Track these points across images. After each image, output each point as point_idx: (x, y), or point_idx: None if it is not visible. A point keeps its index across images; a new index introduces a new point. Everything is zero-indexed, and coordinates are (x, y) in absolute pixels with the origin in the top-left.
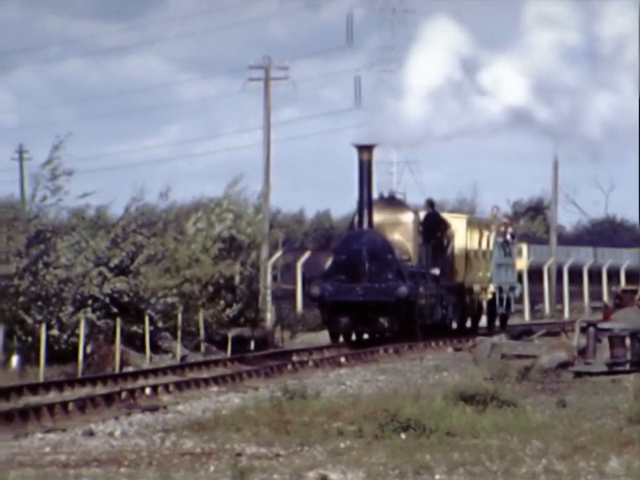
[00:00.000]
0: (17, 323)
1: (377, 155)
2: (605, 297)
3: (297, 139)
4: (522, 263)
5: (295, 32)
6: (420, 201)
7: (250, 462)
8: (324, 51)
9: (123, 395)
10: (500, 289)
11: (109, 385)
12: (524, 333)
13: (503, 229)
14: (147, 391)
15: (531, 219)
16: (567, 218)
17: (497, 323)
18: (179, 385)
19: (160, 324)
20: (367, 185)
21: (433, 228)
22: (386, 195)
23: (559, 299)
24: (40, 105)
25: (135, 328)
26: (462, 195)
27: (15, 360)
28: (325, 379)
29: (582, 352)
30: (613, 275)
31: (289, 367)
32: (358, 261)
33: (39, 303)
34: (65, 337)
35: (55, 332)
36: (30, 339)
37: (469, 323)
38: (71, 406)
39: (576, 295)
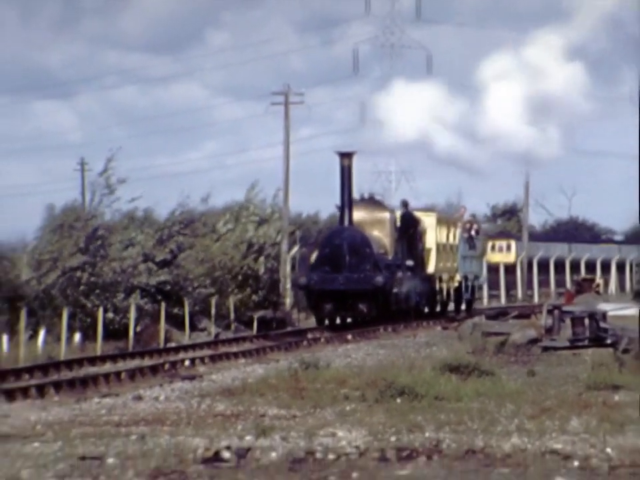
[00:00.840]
0: (78, 307)
1: (378, 165)
2: (568, 285)
3: (312, 152)
4: (511, 257)
5: (311, 63)
6: (415, 204)
7: (271, 422)
8: (335, 79)
9: (166, 366)
10: (465, 278)
11: (155, 358)
12: (500, 314)
13: (468, 225)
14: (186, 362)
15: (507, 219)
16: (536, 219)
17: (463, 307)
18: (212, 358)
19: (197, 307)
20: (347, 187)
21: (407, 225)
22: (366, 196)
23: (530, 286)
24: (99, 125)
25: (176, 310)
26: (450, 199)
27: (77, 337)
28: (334, 352)
29: (548, 330)
30: (574, 266)
31: (304, 342)
32: (340, 254)
33: (97, 291)
34: (118, 318)
35: (109, 314)
36: (89, 320)
37: (438, 308)
38: (123, 375)
39: (544, 283)
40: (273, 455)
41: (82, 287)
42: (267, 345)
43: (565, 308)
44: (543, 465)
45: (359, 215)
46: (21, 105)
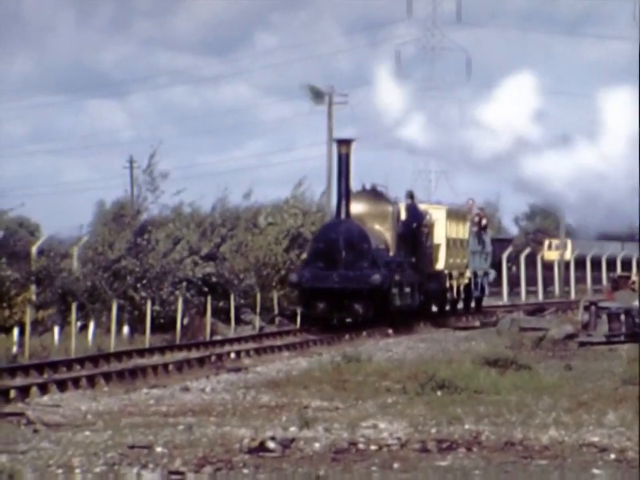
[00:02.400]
0: (126, 300)
1: (418, 164)
2: (604, 282)
3: (353, 152)
4: (567, 254)
5: (355, 65)
6: (455, 202)
7: (314, 413)
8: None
9: (213, 358)
10: (475, 274)
11: (201, 350)
12: (538, 310)
13: (477, 219)
14: (232, 355)
15: (544, 218)
16: (575, 216)
17: (473, 304)
18: (257, 351)
19: (242, 301)
20: (345, 177)
21: (411, 218)
22: (367, 186)
23: (566, 283)
24: (149, 124)
25: (221, 304)
26: (488, 198)
27: (125, 330)
28: (376, 346)
29: (585, 326)
30: (611, 264)
31: (347, 336)
32: (335, 249)
33: (144, 282)
34: (164, 311)
35: (157, 307)
36: (137, 312)
37: (448, 307)
38: (170, 367)
39: (580, 280)
40: (317, 445)
41: (129, 280)
42: (310, 338)
43: (601, 304)
44: (580, 457)
45: (359, 207)
46: (75, 104)
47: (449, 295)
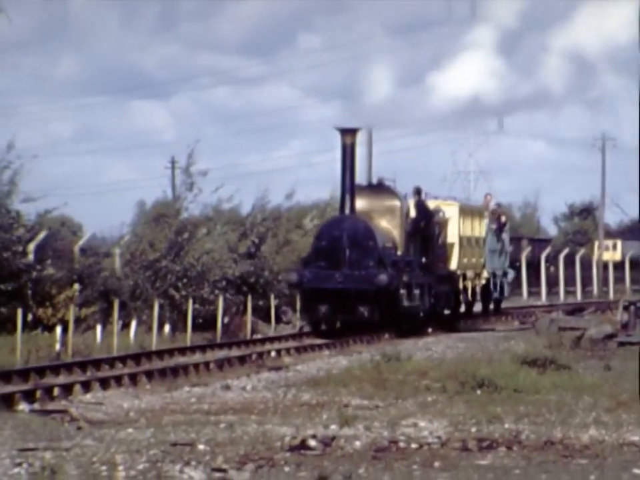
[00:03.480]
0: (167, 299)
1: (458, 165)
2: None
3: (392, 152)
4: (617, 255)
5: (397, 65)
6: (492, 203)
7: (355, 411)
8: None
9: (253, 356)
10: (494, 275)
11: (242, 349)
12: (576, 309)
13: (495, 216)
14: (272, 353)
15: (584, 218)
16: (612, 218)
17: (492, 306)
18: (298, 349)
19: (282, 300)
20: (349, 170)
21: (420, 215)
22: (374, 181)
23: (605, 283)
24: (192, 125)
25: (261, 303)
26: (527, 198)
27: (167, 328)
28: (415, 345)
29: (624, 326)
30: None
31: (386, 335)
32: (338, 247)
33: (184, 281)
34: (205, 309)
35: (197, 306)
36: (177, 311)
37: (462, 309)
38: (211, 365)
39: (619, 280)
40: (357, 443)
41: (170, 279)
42: (350, 337)
43: None
44: (621, 456)
45: (365, 202)
46: (119, 105)
47: (462, 296)
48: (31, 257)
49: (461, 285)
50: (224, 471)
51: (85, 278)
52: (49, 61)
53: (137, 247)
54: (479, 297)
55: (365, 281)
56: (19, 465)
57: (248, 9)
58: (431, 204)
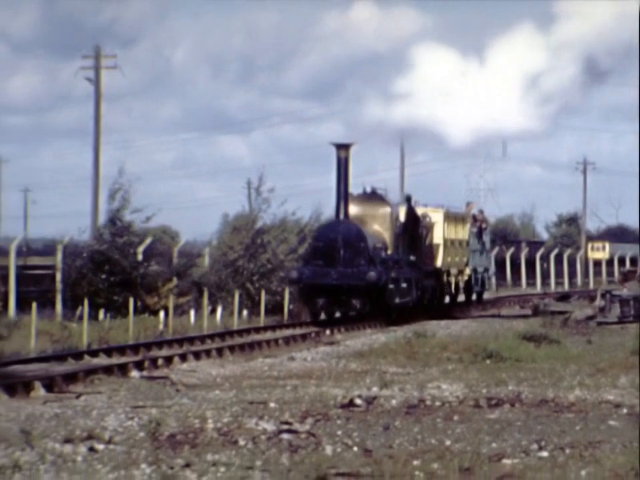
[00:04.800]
0: (244, 290)
1: (470, 184)
2: (616, 275)
3: (423, 174)
4: (606, 254)
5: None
6: (497, 214)
7: (391, 377)
8: None
9: (312, 334)
10: (475, 271)
11: (303, 328)
12: (564, 296)
13: (476, 221)
14: (327, 332)
15: (569, 225)
16: (591, 225)
17: (474, 298)
18: (346, 328)
19: None
20: (343, 180)
21: (409, 220)
22: (368, 190)
23: (586, 275)
24: (264, 154)
25: None
26: (525, 210)
27: (245, 313)
28: (438, 325)
29: (602, 309)
30: (620, 261)
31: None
32: (334, 248)
33: (258, 276)
34: (274, 298)
35: (268, 296)
36: (252, 300)
37: (447, 300)
38: (280, 341)
39: (597, 273)
40: (393, 402)
41: (246, 275)
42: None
43: (614, 292)
44: (600, 411)
45: (359, 209)
46: (209, 139)
47: (446, 290)
48: (140, 257)
49: (445, 280)
50: (290, 423)
51: (181, 273)
52: (154, 105)
53: (221, 249)
54: (462, 290)
55: (356, 277)
56: (132, 418)
57: (310, 62)
58: (420, 210)
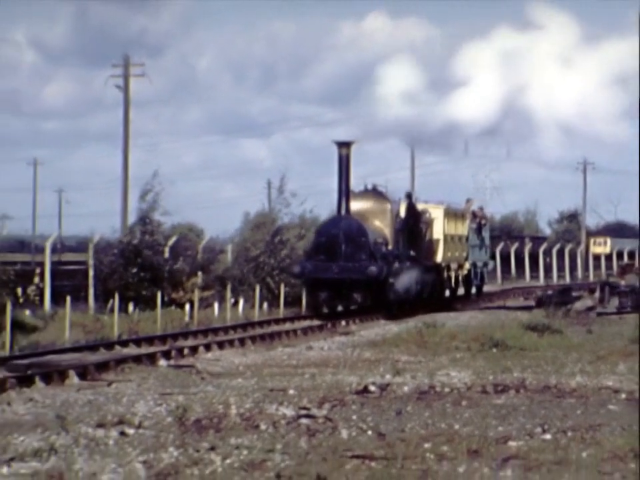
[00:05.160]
0: (265, 284)
1: (477, 183)
2: (615, 268)
3: (430, 174)
4: (607, 249)
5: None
6: (502, 211)
7: (403, 365)
8: None
9: (329, 325)
10: (474, 265)
11: (320, 319)
12: (565, 289)
13: (476, 217)
14: (342, 323)
15: (570, 221)
16: (591, 221)
17: (474, 291)
18: (361, 319)
19: None
20: (345, 177)
21: (409, 216)
22: (369, 187)
23: (586, 268)
24: (284, 156)
25: None
26: (529, 207)
27: (265, 305)
28: (447, 316)
29: (601, 300)
30: (619, 255)
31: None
32: (335, 243)
33: (277, 271)
34: (293, 291)
35: (287, 289)
36: (272, 293)
37: (447, 294)
38: (298, 332)
39: (597, 267)
40: (405, 388)
41: (267, 270)
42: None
43: (613, 284)
44: (599, 396)
45: (361, 205)
46: (232, 142)
47: (446, 284)
48: (167, 254)
49: (445, 275)
50: (308, 409)
51: (205, 268)
52: (180, 110)
53: (243, 246)
54: (461, 284)
55: (357, 271)
56: (160, 405)
57: (326, 70)
58: (420, 206)
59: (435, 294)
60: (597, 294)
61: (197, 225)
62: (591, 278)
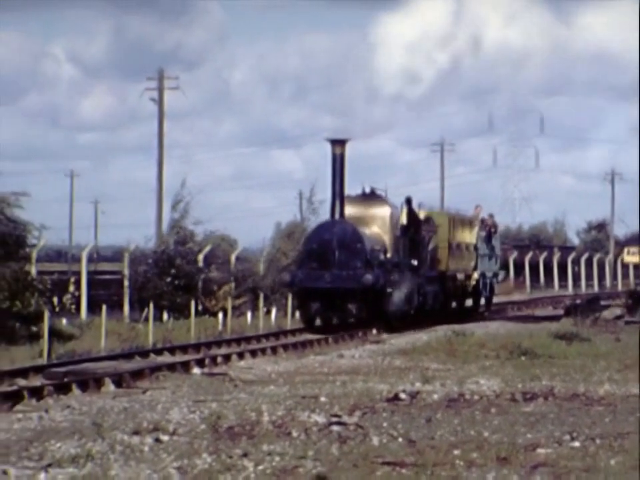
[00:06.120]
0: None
1: (506, 194)
2: None
3: (460, 185)
4: (635, 258)
5: (465, 121)
6: (531, 221)
7: (433, 373)
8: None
9: (360, 334)
10: (483, 276)
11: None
12: (594, 299)
13: (485, 224)
14: (374, 331)
15: (598, 231)
16: (619, 231)
17: (482, 302)
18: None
19: None
20: (339, 178)
21: (410, 222)
22: (367, 190)
23: (615, 277)
24: (315, 167)
25: None
26: (557, 217)
27: (297, 314)
28: (476, 325)
29: (629, 309)
30: None
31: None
32: (328, 250)
33: None
34: None
35: None
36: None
37: (454, 305)
38: (330, 340)
39: (625, 275)
40: (435, 396)
41: None
42: (430, 319)
43: None
44: (628, 404)
45: (358, 210)
46: (264, 153)
47: (452, 295)
48: (200, 263)
49: (451, 285)
50: (339, 416)
51: (238, 278)
52: (215, 122)
53: (275, 255)
54: (470, 296)
55: (352, 280)
56: (194, 412)
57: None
58: (424, 213)
59: (439, 306)
60: (625, 302)
61: (229, 234)
62: (620, 287)
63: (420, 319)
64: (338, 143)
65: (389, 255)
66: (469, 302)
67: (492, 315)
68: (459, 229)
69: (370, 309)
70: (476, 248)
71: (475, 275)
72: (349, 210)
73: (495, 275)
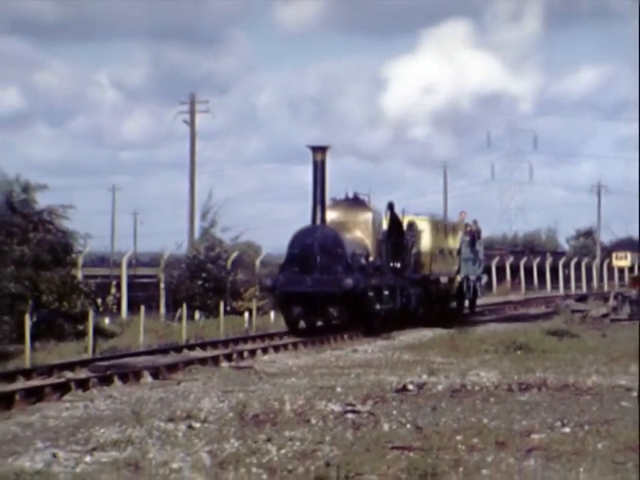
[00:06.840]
0: None
1: (502, 204)
2: (626, 280)
3: (463, 196)
4: (627, 262)
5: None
6: (526, 229)
7: (438, 366)
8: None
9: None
10: (467, 279)
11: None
12: (583, 297)
13: (469, 229)
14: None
15: (586, 238)
16: (605, 238)
17: (466, 305)
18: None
19: None
20: (320, 184)
21: (393, 227)
22: (350, 195)
23: (601, 279)
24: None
25: None
26: (550, 225)
27: None
28: (477, 323)
29: (614, 308)
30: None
31: (459, 318)
32: (310, 254)
33: None
34: None
35: None
36: None
37: (437, 308)
38: (345, 336)
39: (610, 278)
40: (439, 387)
41: None
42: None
43: (625, 293)
44: (613, 394)
45: (340, 214)
46: (286, 169)
47: (435, 298)
48: (228, 267)
49: (434, 288)
50: (353, 405)
51: (262, 280)
52: (242, 141)
53: None
54: (453, 298)
55: (332, 284)
56: (222, 401)
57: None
58: (407, 218)
59: (423, 308)
60: (611, 302)
61: (254, 242)
62: (605, 288)
63: (403, 321)
64: (319, 150)
65: (371, 259)
66: (453, 304)
67: (492, 315)
68: (441, 234)
69: (351, 312)
70: (459, 252)
71: (458, 279)
72: (333, 215)
73: (479, 278)
